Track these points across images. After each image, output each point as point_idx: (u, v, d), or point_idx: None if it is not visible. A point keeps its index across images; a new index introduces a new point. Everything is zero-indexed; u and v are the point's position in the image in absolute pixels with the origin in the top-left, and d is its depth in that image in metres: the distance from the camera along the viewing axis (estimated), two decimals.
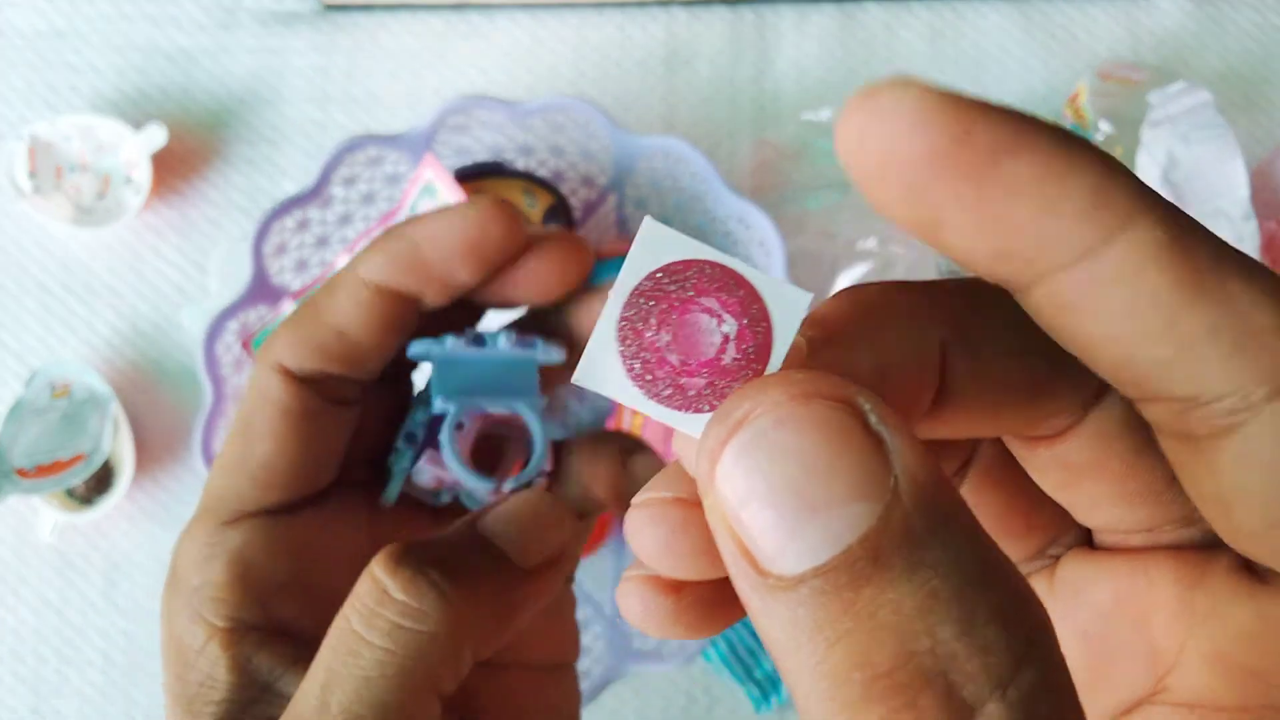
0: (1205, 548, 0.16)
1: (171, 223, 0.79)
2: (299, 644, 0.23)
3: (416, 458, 0.26)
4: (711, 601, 0.16)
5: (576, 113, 0.70)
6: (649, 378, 0.14)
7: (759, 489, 0.12)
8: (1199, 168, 0.69)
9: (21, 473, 0.69)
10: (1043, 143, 0.13)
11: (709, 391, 0.14)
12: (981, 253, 0.13)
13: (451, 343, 0.25)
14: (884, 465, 0.12)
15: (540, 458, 0.25)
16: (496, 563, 0.21)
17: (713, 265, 0.14)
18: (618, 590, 0.17)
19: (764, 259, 0.70)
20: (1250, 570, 0.16)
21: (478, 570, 0.21)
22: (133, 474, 0.73)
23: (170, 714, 0.23)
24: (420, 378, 0.28)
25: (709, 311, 0.14)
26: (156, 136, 0.76)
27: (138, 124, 0.78)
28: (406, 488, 0.26)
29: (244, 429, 0.24)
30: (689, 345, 0.14)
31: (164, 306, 0.78)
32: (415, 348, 0.26)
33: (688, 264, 0.14)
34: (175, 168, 0.79)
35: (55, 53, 0.81)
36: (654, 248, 0.14)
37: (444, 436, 0.25)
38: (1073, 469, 0.16)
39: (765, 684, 0.73)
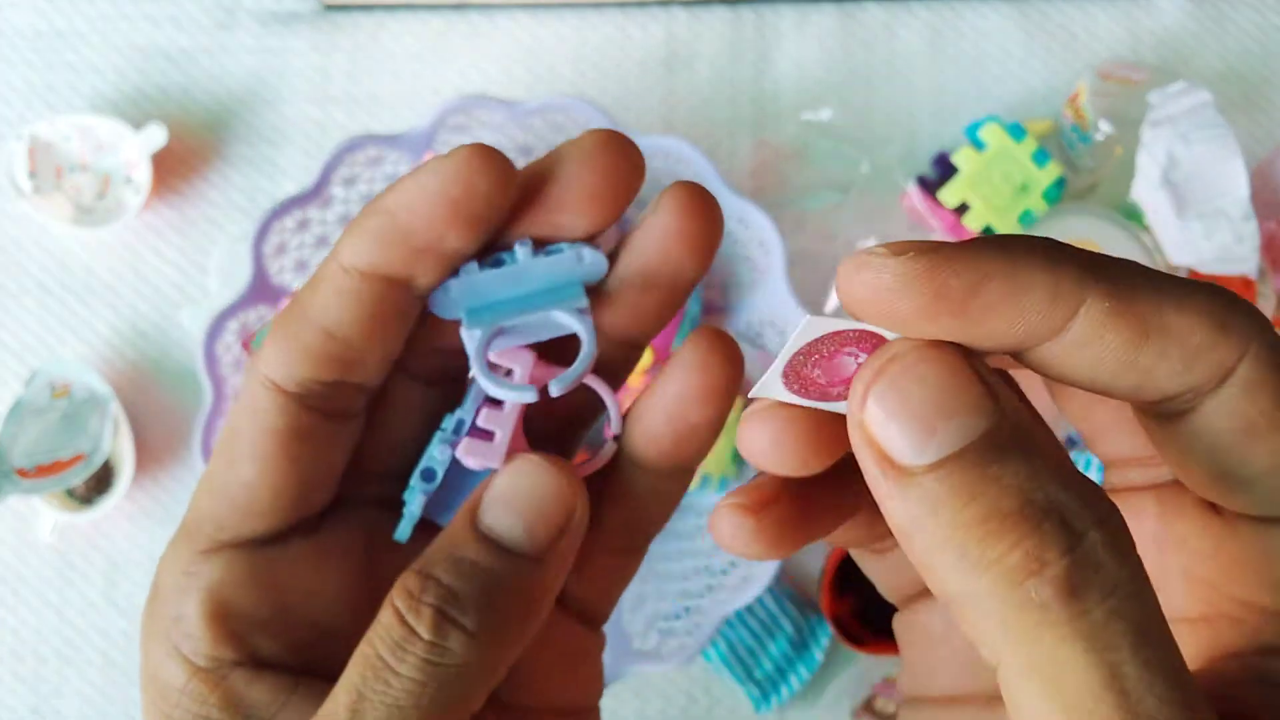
0: (1179, 485, 0.20)
1: (171, 223, 0.79)
2: (291, 675, 0.21)
3: (436, 502, 0.23)
4: (788, 523, 0.20)
5: (576, 113, 0.70)
6: (803, 390, 0.19)
7: (899, 408, 0.17)
8: (1199, 168, 0.70)
9: (21, 473, 0.69)
10: (1003, 268, 0.17)
11: (844, 389, 0.19)
12: (978, 345, 0.18)
13: (464, 272, 0.22)
14: (992, 393, 0.17)
15: (588, 355, 0.22)
16: (509, 564, 0.20)
17: (858, 331, 0.18)
18: (711, 516, 0.21)
19: (764, 259, 0.70)
20: (1210, 505, 0.20)
21: (495, 585, 0.20)
22: (132, 474, 0.73)
23: None
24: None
25: (851, 355, 0.19)
26: (156, 136, 0.76)
27: (138, 124, 0.78)
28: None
29: (228, 447, 0.22)
30: (833, 373, 0.19)
31: (164, 306, 0.78)
32: (402, 533, 0.23)
33: (841, 333, 0.19)
34: (175, 168, 0.79)
35: (55, 52, 0.81)
36: (813, 330, 0.19)
37: (472, 352, 0.22)
38: (1085, 396, 0.20)
39: (765, 684, 0.73)
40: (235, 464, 0.21)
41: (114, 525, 0.76)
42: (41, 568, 0.75)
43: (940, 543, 0.16)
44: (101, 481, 0.74)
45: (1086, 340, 0.17)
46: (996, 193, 0.72)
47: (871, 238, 0.74)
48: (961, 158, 0.72)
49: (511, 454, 0.22)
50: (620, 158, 0.23)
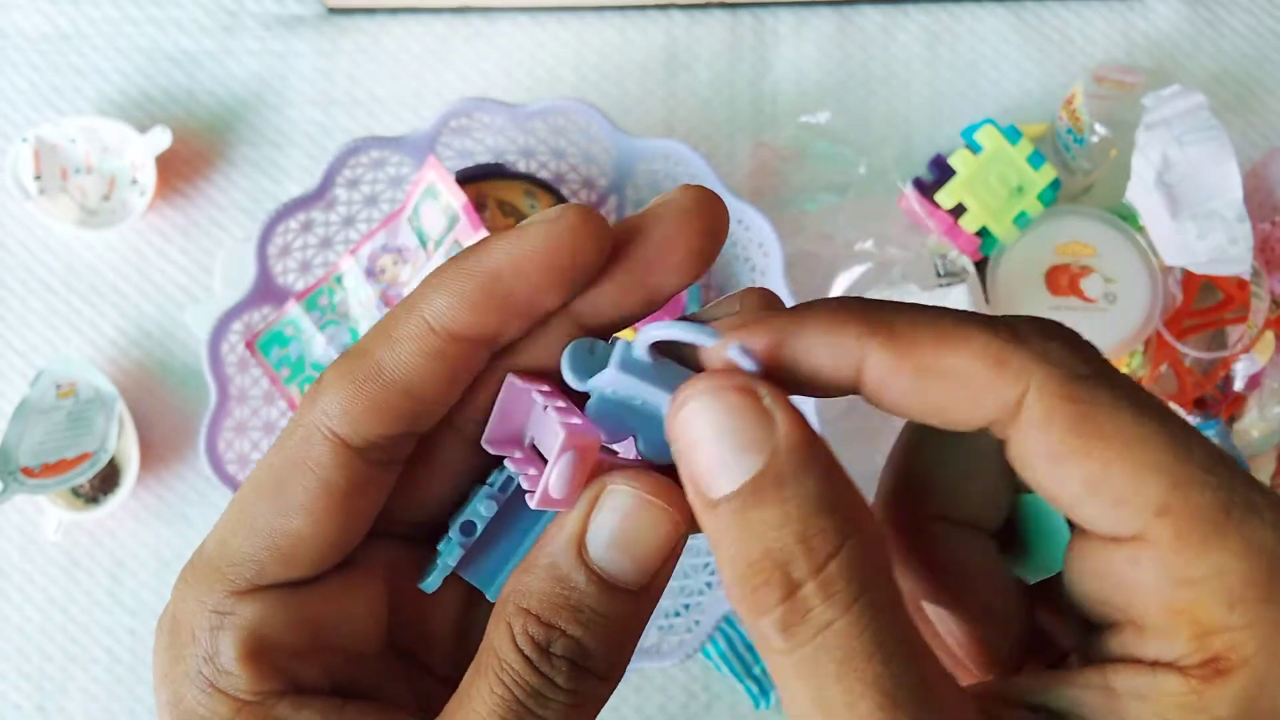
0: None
1: (176, 224, 0.80)
2: (333, 698, 0.22)
3: (469, 555, 0.23)
4: None
5: (577, 115, 0.71)
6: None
7: (695, 444, 0.20)
8: (1193, 170, 0.70)
9: (27, 472, 0.69)
10: (792, 333, 0.20)
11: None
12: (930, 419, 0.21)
13: (446, 557, 0.23)
14: (769, 429, 0.19)
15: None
16: (626, 603, 0.21)
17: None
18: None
19: (762, 260, 0.71)
20: None
21: (618, 627, 0.20)
22: (138, 473, 0.74)
23: None
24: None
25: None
26: (161, 139, 0.77)
27: (142, 126, 0.79)
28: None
29: (274, 491, 0.21)
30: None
31: (169, 307, 0.79)
32: (429, 583, 0.23)
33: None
34: (180, 170, 0.80)
35: (60, 55, 0.82)
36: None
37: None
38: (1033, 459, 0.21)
39: (764, 680, 0.73)
40: (285, 515, 0.21)
41: (119, 524, 0.76)
42: (47, 566, 0.76)
43: (725, 565, 0.19)
44: (107, 480, 0.75)
45: (879, 386, 0.20)
46: (992, 195, 0.72)
47: (869, 240, 0.75)
48: (958, 160, 0.73)
49: (597, 470, 0.22)
50: (712, 218, 0.22)
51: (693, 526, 0.21)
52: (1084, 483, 0.19)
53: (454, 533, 0.23)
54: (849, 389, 0.21)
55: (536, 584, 0.20)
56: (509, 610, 0.20)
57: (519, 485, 0.23)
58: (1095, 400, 0.19)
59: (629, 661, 0.21)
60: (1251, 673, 0.18)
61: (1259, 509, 0.19)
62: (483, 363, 0.22)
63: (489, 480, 0.23)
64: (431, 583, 0.23)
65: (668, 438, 0.21)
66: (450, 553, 0.23)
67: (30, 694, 0.75)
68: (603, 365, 0.22)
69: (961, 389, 0.20)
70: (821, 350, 0.20)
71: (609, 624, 0.20)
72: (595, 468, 0.21)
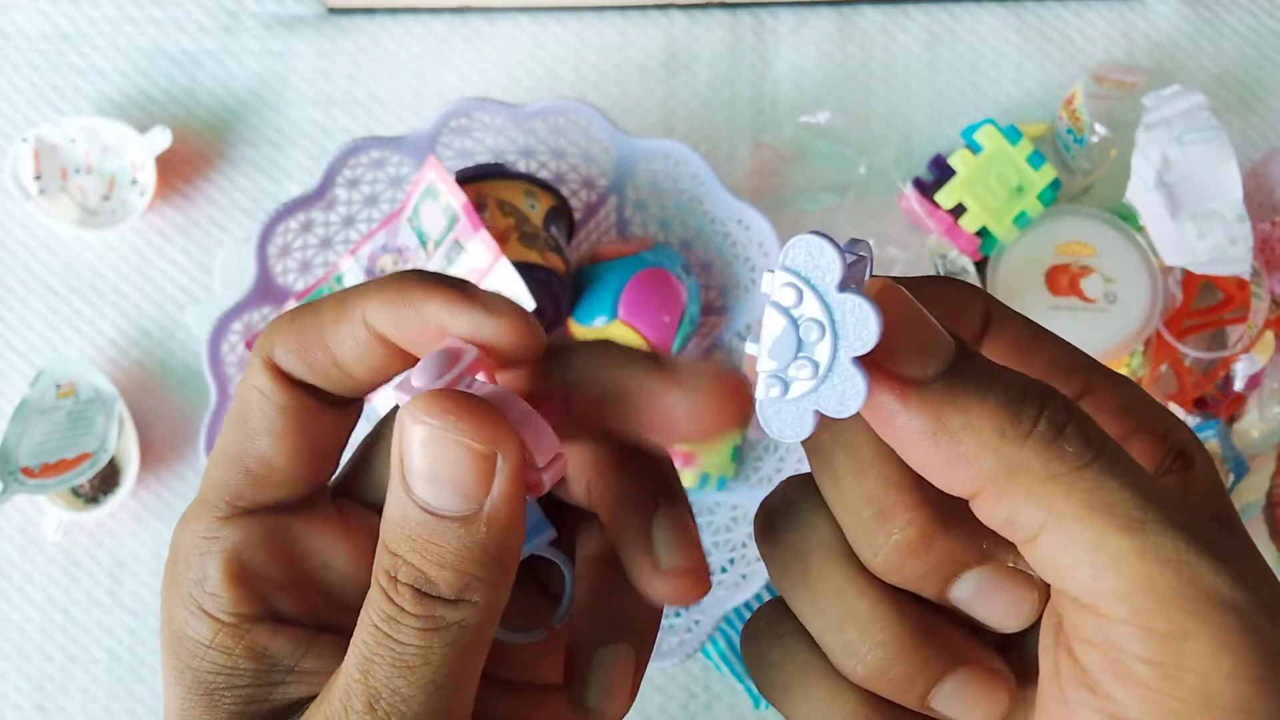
0: None
1: (176, 224, 0.80)
2: (308, 630, 0.23)
3: None
4: None
5: (577, 115, 0.71)
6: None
7: (903, 335, 0.19)
8: (1193, 170, 0.70)
9: (27, 472, 0.69)
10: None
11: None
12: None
13: None
14: (946, 333, 0.20)
15: (569, 599, 0.24)
16: (459, 529, 0.21)
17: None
18: None
19: (762, 260, 0.71)
20: None
21: (455, 551, 0.21)
22: (138, 473, 0.74)
23: (182, 703, 0.23)
24: None
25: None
26: (161, 139, 0.77)
27: (143, 126, 0.79)
28: None
29: (240, 421, 0.23)
30: None
31: (169, 307, 0.79)
32: None
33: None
34: (180, 170, 0.80)
35: (60, 55, 0.82)
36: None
37: None
38: None
39: None
40: (250, 438, 0.23)
41: (119, 524, 0.76)
42: (47, 566, 0.76)
43: (974, 430, 0.19)
44: (107, 480, 0.75)
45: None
46: (992, 195, 0.72)
47: (869, 239, 0.75)
48: (958, 160, 0.73)
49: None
50: (733, 401, 0.23)
51: (509, 445, 0.21)
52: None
53: None
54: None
55: (387, 518, 0.21)
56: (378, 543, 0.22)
57: None
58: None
59: (499, 583, 0.21)
60: None
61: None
62: (413, 360, 0.23)
63: None
64: None
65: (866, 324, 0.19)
66: None
67: (30, 694, 0.75)
68: None
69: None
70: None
71: (445, 551, 0.20)
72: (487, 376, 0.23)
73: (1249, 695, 0.18)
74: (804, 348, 0.19)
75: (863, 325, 0.19)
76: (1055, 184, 0.73)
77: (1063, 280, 0.74)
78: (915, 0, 0.83)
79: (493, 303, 0.22)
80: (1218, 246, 0.69)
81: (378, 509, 0.24)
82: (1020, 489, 0.19)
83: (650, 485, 0.23)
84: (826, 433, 0.21)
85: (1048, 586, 0.22)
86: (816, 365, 0.19)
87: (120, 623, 0.75)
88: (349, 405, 0.24)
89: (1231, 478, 0.72)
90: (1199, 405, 0.75)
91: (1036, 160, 0.73)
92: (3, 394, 0.78)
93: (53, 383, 0.73)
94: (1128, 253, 0.74)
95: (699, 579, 0.23)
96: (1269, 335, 0.73)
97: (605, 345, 0.24)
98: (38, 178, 0.77)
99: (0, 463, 0.69)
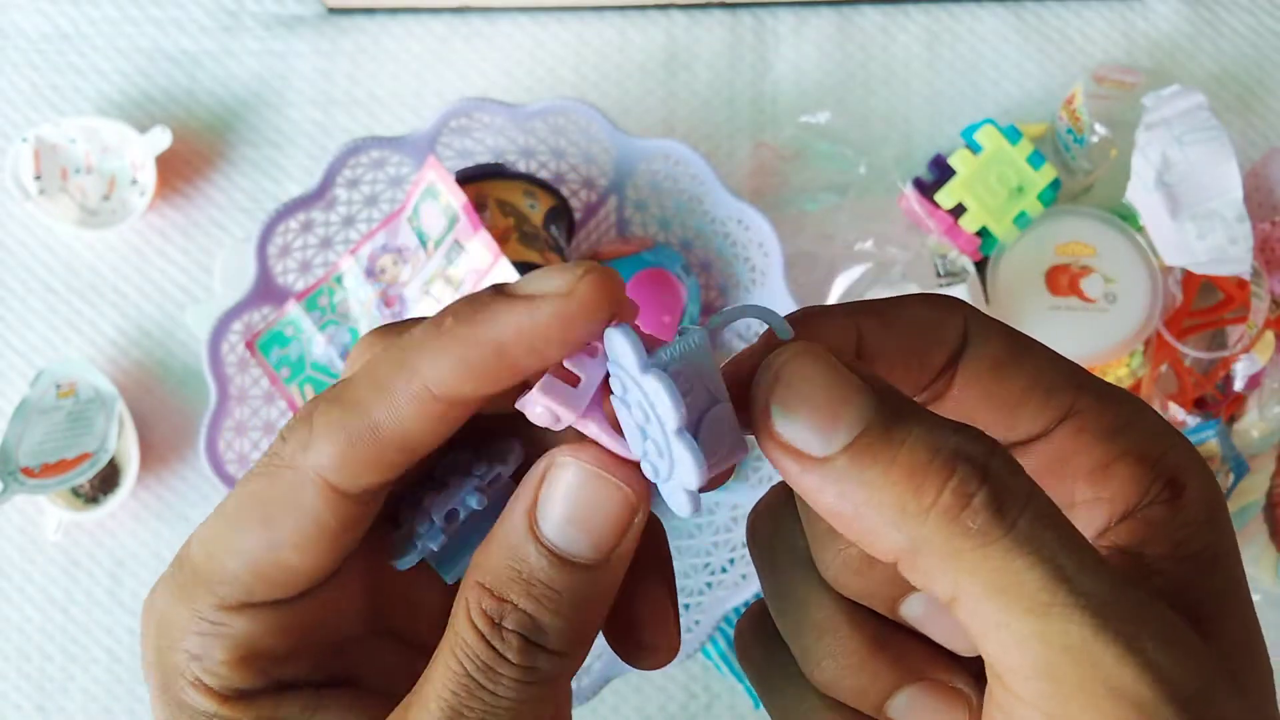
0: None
1: (176, 224, 0.80)
2: (315, 689, 0.23)
3: (447, 548, 0.23)
4: None
5: (577, 115, 0.71)
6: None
7: (801, 409, 0.19)
8: (1193, 170, 0.70)
9: (27, 472, 0.69)
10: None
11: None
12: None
13: (427, 541, 0.23)
14: (865, 377, 0.19)
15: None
16: (580, 578, 0.20)
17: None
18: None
19: (762, 260, 0.71)
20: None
21: (571, 602, 0.20)
22: (138, 473, 0.74)
23: None
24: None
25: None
26: (161, 139, 0.77)
27: (142, 126, 0.79)
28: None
29: (263, 524, 0.21)
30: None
31: (169, 307, 0.79)
32: (403, 562, 0.23)
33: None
34: (180, 170, 0.80)
35: (60, 55, 0.82)
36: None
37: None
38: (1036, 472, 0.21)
39: None
40: (274, 548, 0.21)
41: (119, 524, 0.76)
42: (47, 566, 0.76)
43: (877, 507, 0.19)
44: (107, 480, 0.75)
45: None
46: (992, 195, 0.72)
47: (869, 239, 0.75)
48: (958, 160, 0.73)
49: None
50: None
51: (645, 501, 0.21)
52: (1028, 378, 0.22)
53: (438, 518, 0.23)
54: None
55: (492, 560, 0.20)
56: (468, 585, 0.21)
57: (506, 481, 0.23)
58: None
59: (592, 639, 0.21)
60: None
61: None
62: (468, 415, 0.22)
63: (477, 473, 0.23)
64: (407, 561, 0.23)
65: (763, 401, 0.20)
66: (433, 538, 0.23)
67: (30, 694, 0.75)
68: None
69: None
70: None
71: (562, 599, 0.20)
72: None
73: None
74: (646, 433, 0.20)
75: (663, 403, 0.19)
76: (1055, 184, 0.73)
77: (1063, 280, 0.74)
78: (915, 0, 0.83)
79: (561, 286, 0.20)
80: (1218, 246, 0.69)
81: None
82: (926, 564, 0.19)
83: (640, 550, 0.22)
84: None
85: None
86: (660, 447, 0.20)
87: (120, 623, 0.75)
88: (380, 497, 0.23)
89: (1231, 478, 0.72)
90: (1199, 405, 0.75)
91: (1036, 160, 0.73)
92: (3, 394, 0.78)
93: (53, 383, 0.73)
94: (1128, 253, 0.74)
95: (667, 656, 0.23)
96: (1269, 335, 0.73)
97: None
98: (38, 178, 0.77)
99: (0, 463, 0.69)
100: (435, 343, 0.20)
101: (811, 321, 0.21)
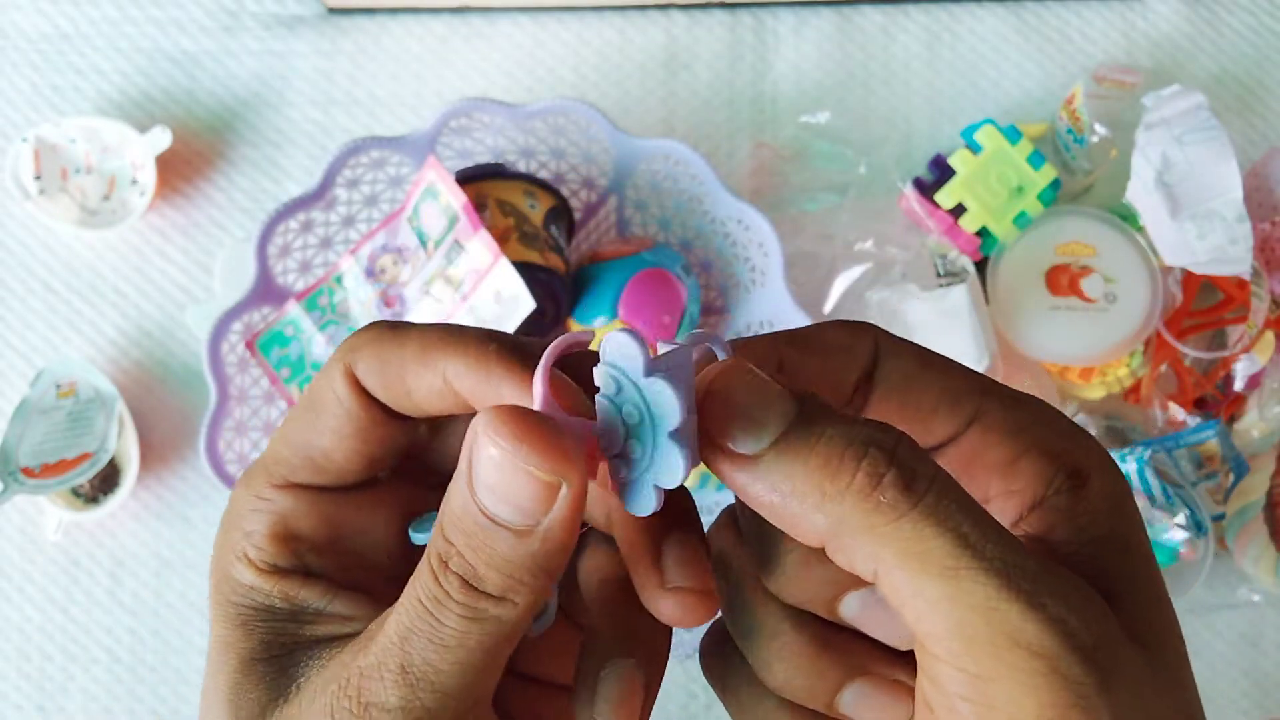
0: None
1: (176, 224, 0.80)
2: (335, 584, 0.26)
3: None
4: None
5: (577, 115, 0.71)
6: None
7: (732, 415, 0.21)
8: (1193, 170, 0.70)
9: (27, 472, 0.69)
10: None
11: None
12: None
13: None
14: (784, 384, 0.22)
15: (552, 608, 0.26)
16: (513, 538, 0.22)
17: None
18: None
19: (762, 260, 0.71)
20: None
21: (506, 555, 0.22)
22: (138, 473, 0.74)
23: (223, 630, 0.25)
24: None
25: None
26: (161, 139, 0.77)
27: (143, 126, 0.79)
28: None
29: (311, 412, 0.26)
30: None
31: (169, 307, 0.79)
32: (419, 535, 0.26)
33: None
34: (180, 170, 0.80)
35: (60, 55, 0.82)
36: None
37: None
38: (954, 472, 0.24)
39: None
40: (315, 432, 0.25)
41: (119, 524, 0.76)
42: (47, 566, 0.76)
43: (800, 494, 0.21)
44: (107, 480, 0.75)
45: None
46: (992, 195, 0.72)
47: (869, 239, 0.75)
48: (958, 160, 0.73)
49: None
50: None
51: (575, 474, 0.21)
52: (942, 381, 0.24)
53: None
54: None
55: (447, 508, 0.22)
56: (436, 526, 0.23)
57: None
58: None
59: (541, 590, 0.22)
60: None
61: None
62: (467, 410, 0.25)
63: None
64: (421, 538, 0.26)
65: (708, 406, 0.22)
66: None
67: (30, 694, 0.75)
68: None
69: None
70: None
71: (496, 554, 0.22)
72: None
73: None
74: (632, 431, 0.22)
75: (669, 405, 0.21)
76: (1055, 184, 0.73)
77: (1063, 280, 0.74)
78: (915, 0, 0.83)
79: (563, 389, 0.24)
80: (1218, 246, 0.69)
81: (440, 481, 0.25)
82: (848, 541, 0.21)
83: (668, 511, 0.24)
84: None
85: None
86: (644, 446, 0.22)
87: (120, 623, 0.75)
88: (419, 421, 0.27)
89: (1231, 478, 0.72)
90: (1199, 405, 0.75)
91: (1036, 160, 0.73)
92: (3, 394, 0.78)
93: (53, 383, 0.73)
94: (1128, 253, 0.74)
95: (703, 599, 0.24)
96: (1269, 335, 0.73)
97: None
98: (38, 178, 0.77)
99: (0, 463, 0.69)
100: (473, 349, 0.24)
101: (740, 347, 0.24)
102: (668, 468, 0.21)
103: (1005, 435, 0.24)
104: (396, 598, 0.24)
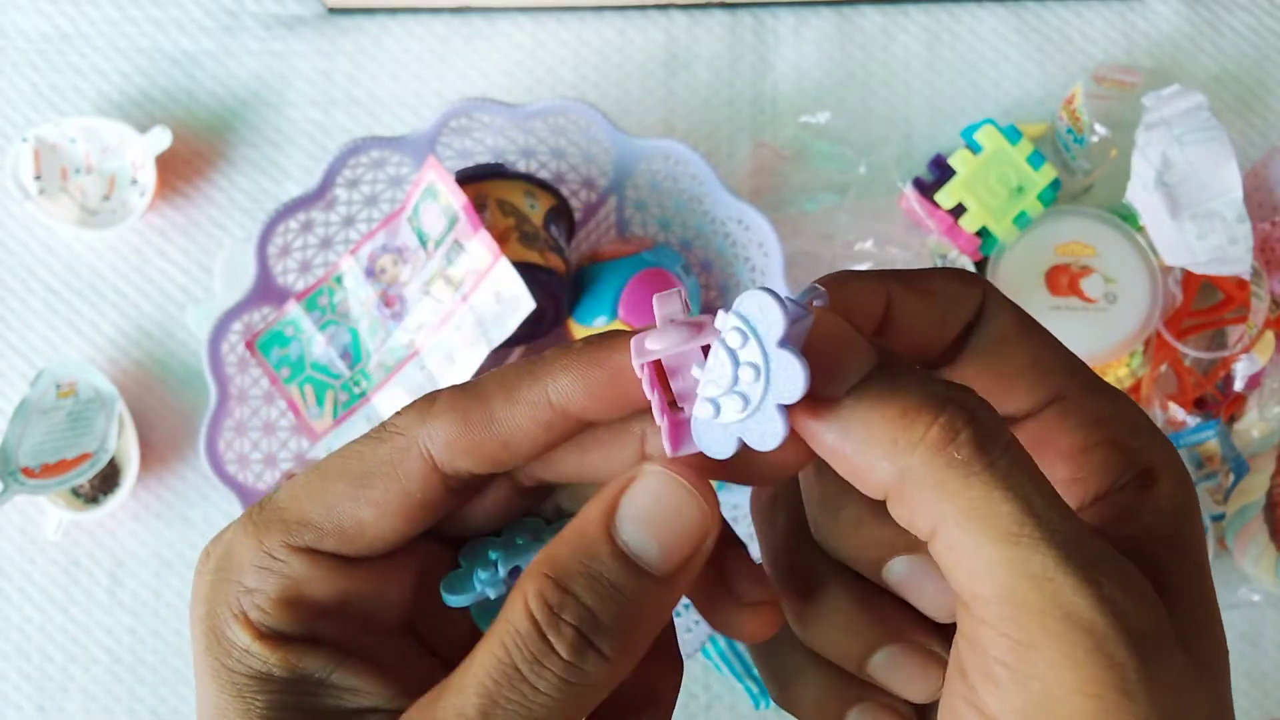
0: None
1: (176, 224, 0.80)
2: (340, 650, 0.24)
3: (496, 600, 0.24)
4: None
5: (577, 115, 0.71)
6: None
7: (817, 359, 0.21)
8: (1193, 170, 0.70)
9: (27, 472, 0.69)
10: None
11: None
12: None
13: (486, 587, 0.24)
14: (868, 338, 0.21)
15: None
16: (645, 586, 0.21)
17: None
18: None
19: (762, 260, 0.71)
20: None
21: (632, 608, 0.21)
22: (138, 473, 0.74)
23: (217, 699, 0.23)
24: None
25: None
26: (161, 139, 0.77)
27: (143, 126, 0.79)
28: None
29: (359, 479, 0.23)
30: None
31: (169, 307, 0.79)
32: (457, 599, 0.25)
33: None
34: (180, 170, 0.80)
35: (60, 55, 0.82)
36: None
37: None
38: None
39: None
40: (358, 503, 0.23)
41: (119, 524, 0.76)
42: (47, 566, 0.76)
43: (872, 441, 0.20)
44: (107, 480, 0.75)
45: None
46: (992, 195, 0.72)
47: (869, 239, 0.75)
48: (958, 160, 0.73)
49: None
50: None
51: (718, 525, 0.21)
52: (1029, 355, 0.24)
53: (503, 569, 0.24)
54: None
55: (562, 552, 0.21)
56: (531, 574, 0.21)
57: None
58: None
59: (638, 656, 0.21)
60: None
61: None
62: (575, 434, 0.24)
63: (547, 539, 0.24)
64: (459, 600, 0.25)
65: (810, 341, 0.22)
66: (493, 586, 0.24)
67: (30, 694, 0.75)
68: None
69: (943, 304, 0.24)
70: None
71: (625, 601, 0.20)
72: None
73: (1088, 711, 0.19)
74: (739, 383, 0.21)
75: (791, 381, 0.21)
76: (1055, 184, 0.73)
77: (1063, 280, 0.74)
78: (915, 0, 0.83)
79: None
80: (1218, 246, 0.69)
81: (458, 534, 0.25)
82: (913, 494, 0.20)
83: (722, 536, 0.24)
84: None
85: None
86: (747, 401, 0.21)
87: (120, 623, 0.75)
88: (462, 493, 0.24)
89: (1231, 478, 0.72)
90: (1199, 405, 0.75)
91: (1036, 160, 0.73)
92: (3, 394, 0.78)
93: (53, 383, 0.73)
94: (1128, 253, 0.74)
95: (776, 610, 0.24)
96: (1269, 335, 0.73)
97: None
98: (38, 178, 0.77)
99: (0, 463, 0.69)
100: (562, 359, 0.23)
101: (845, 284, 0.23)
102: (767, 433, 0.21)
103: (1084, 422, 0.23)
104: (402, 665, 0.23)
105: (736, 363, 0.21)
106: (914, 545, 0.23)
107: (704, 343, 0.22)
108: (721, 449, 0.21)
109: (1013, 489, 0.19)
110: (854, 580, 0.24)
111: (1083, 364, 0.24)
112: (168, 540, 0.76)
